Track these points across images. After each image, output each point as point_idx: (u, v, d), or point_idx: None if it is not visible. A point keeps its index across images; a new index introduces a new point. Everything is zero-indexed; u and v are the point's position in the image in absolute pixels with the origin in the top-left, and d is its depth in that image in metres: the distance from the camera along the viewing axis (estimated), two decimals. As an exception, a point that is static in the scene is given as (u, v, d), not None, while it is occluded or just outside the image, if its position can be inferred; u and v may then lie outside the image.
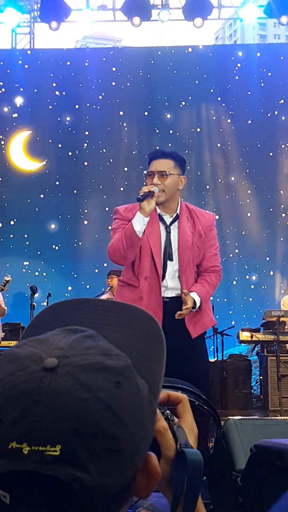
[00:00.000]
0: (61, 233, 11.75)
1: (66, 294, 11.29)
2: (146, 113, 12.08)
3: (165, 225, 3.58)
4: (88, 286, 11.53)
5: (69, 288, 11.51)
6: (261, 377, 8.63)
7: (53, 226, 11.78)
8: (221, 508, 2.61)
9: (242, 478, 2.53)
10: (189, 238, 3.55)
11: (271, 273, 11.71)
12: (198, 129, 12.08)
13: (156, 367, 0.75)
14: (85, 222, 11.80)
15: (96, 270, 11.65)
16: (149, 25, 12.01)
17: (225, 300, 11.04)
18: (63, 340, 0.68)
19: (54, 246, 11.73)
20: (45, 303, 8.97)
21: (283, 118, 11.94)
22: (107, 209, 11.57)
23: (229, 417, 2.75)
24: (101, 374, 0.65)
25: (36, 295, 7.88)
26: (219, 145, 12.03)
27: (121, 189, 11.79)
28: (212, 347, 8.50)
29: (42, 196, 11.84)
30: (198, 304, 3.49)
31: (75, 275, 11.71)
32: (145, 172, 3.65)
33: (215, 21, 12.51)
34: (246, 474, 2.50)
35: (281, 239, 11.72)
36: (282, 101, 11.99)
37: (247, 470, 2.50)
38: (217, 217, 11.35)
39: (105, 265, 11.41)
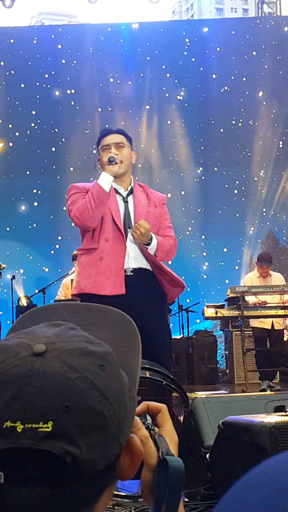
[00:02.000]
0: (15, 215, 11.58)
1: (23, 277, 11.17)
2: (97, 91, 11.95)
3: (121, 197, 3.65)
4: (44, 268, 11.43)
5: (21, 270, 11.34)
6: (226, 352, 8.75)
7: (6, 208, 11.59)
8: (190, 484, 2.62)
9: (210, 455, 2.55)
10: (144, 207, 3.63)
11: (225, 250, 11.81)
12: (150, 107, 12.02)
13: (133, 360, 0.80)
14: (39, 204, 11.65)
15: (52, 252, 11.55)
16: (106, 1, 11.84)
17: (183, 277, 11.04)
18: (48, 331, 0.73)
19: (8, 228, 11.56)
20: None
21: (235, 93, 11.96)
22: (61, 189, 11.47)
23: (196, 393, 2.76)
24: (86, 357, 0.70)
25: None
26: (172, 122, 11.99)
27: (73, 169, 11.67)
28: (172, 324, 8.53)
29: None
30: (154, 242, 3.52)
31: (31, 257, 11.58)
32: (100, 146, 3.70)
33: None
34: (215, 450, 2.51)
35: (237, 215, 11.80)
36: (233, 77, 12.00)
37: (215, 447, 2.51)
38: (169, 195, 11.34)
39: (57, 246, 11.33)
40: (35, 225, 11.64)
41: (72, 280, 7.26)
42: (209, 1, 56.75)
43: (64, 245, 11.16)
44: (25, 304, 8.84)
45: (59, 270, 10.31)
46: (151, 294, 3.53)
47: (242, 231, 11.83)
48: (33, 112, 11.80)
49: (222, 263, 11.71)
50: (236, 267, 11.61)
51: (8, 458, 0.65)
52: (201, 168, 11.92)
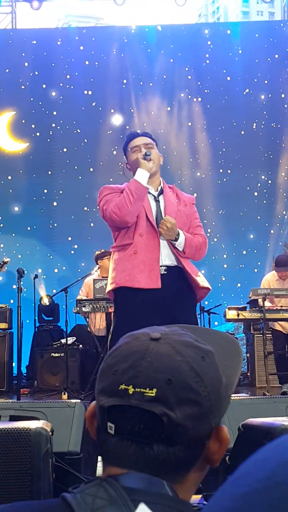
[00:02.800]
0: (36, 214, 11.63)
1: (43, 276, 11.23)
2: (120, 92, 11.96)
3: (153, 196, 3.70)
4: (64, 268, 11.47)
5: (39, 270, 11.36)
6: (248, 355, 8.70)
7: (27, 207, 11.65)
8: (210, 486, 2.62)
9: (230, 457, 2.54)
10: (174, 206, 3.69)
11: (244, 252, 11.76)
12: (172, 108, 12.00)
13: (232, 371, 0.96)
14: (60, 203, 11.69)
15: (72, 252, 11.59)
16: (132, 3, 11.90)
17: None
18: (164, 328, 0.94)
19: (28, 228, 11.61)
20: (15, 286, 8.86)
21: (257, 96, 11.92)
22: (82, 189, 11.51)
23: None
24: (192, 349, 0.88)
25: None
26: (194, 124, 11.97)
27: (93, 169, 11.69)
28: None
29: (16, 177, 11.70)
30: (181, 237, 3.56)
31: (51, 257, 11.63)
32: (130, 148, 3.75)
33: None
34: (234, 452, 2.50)
35: (258, 217, 11.75)
36: (256, 79, 11.95)
37: (235, 449, 2.50)
38: (194, 195, 11.27)
39: (76, 246, 11.37)
40: (55, 225, 11.68)
41: (94, 280, 7.29)
42: (235, 5, 56.45)
43: (84, 245, 11.19)
44: (47, 303, 8.82)
45: (79, 270, 10.34)
46: (183, 291, 3.57)
47: (263, 233, 11.77)
48: (56, 113, 11.86)
49: (243, 265, 11.67)
50: (256, 270, 11.55)
51: (119, 413, 0.85)
52: (221, 170, 11.88)
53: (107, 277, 7.75)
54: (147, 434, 0.83)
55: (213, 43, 12.09)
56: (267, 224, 11.80)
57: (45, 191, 11.70)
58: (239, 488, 0.48)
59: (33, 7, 11.32)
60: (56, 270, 11.49)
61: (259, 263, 11.56)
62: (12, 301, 8.92)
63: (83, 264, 10.77)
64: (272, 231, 11.83)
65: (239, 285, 11.21)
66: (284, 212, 11.91)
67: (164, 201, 3.68)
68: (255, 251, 11.73)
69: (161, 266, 3.52)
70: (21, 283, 7.33)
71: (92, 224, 11.44)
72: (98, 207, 3.72)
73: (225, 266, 11.73)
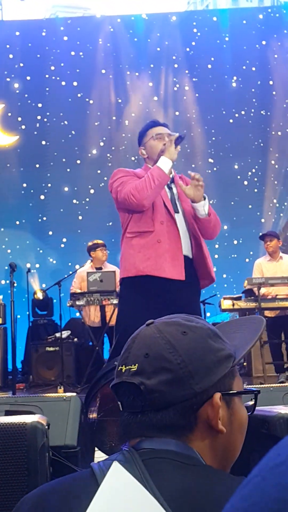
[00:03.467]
0: (24, 208, 11.54)
1: (33, 270, 11.15)
2: (107, 83, 11.87)
3: (166, 184, 3.68)
4: (55, 261, 11.40)
5: (27, 265, 11.27)
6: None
7: (16, 201, 11.55)
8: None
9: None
10: None
11: (235, 242, 11.72)
12: (160, 98, 11.94)
13: (247, 346, 1.08)
14: (49, 197, 11.60)
15: (62, 245, 11.52)
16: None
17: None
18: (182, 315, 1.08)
19: (17, 222, 11.51)
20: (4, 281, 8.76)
21: (246, 83, 11.86)
22: (71, 182, 11.43)
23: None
24: (174, 326, 1.01)
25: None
26: (182, 113, 11.90)
27: (80, 161, 11.60)
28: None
29: (3, 171, 11.60)
30: (207, 200, 3.61)
31: (41, 251, 11.55)
32: (154, 134, 3.75)
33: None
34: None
35: (249, 206, 11.71)
36: (244, 66, 11.90)
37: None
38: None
39: (65, 239, 11.31)
40: (44, 218, 11.59)
41: (88, 272, 7.22)
42: (224, -9, 56.09)
43: (74, 238, 11.12)
44: (41, 297, 8.76)
45: (69, 263, 10.27)
46: (194, 282, 3.58)
47: (254, 222, 11.73)
48: (42, 105, 11.75)
49: (235, 255, 11.63)
50: (247, 260, 11.53)
51: (118, 391, 1.01)
52: (212, 159, 11.83)
53: (100, 268, 7.75)
54: (137, 404, 0.98)
55: (200, 31, 12.02)
56: (259, 213, 11.77)
57: (33, 184, 11.60)
58: (285, 476, 0.42)
59: (19, -2, 11.24)
60: (44, 265, 11.40)
61: (251, 253, 11.51)
62: (1, 296, 8.84)
63: (73, 257, 10.70)
64: (263, 220, 11.79)
65: (231, 275, 11.18)
66: (275, 201, 11.87)
67: (177, 189, 3.70)
68: (247, 241, 11.69)
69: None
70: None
71: (80, 217, 11.37)
72: (109, 188, 3.66)
73: (216, 256, 11.68)
